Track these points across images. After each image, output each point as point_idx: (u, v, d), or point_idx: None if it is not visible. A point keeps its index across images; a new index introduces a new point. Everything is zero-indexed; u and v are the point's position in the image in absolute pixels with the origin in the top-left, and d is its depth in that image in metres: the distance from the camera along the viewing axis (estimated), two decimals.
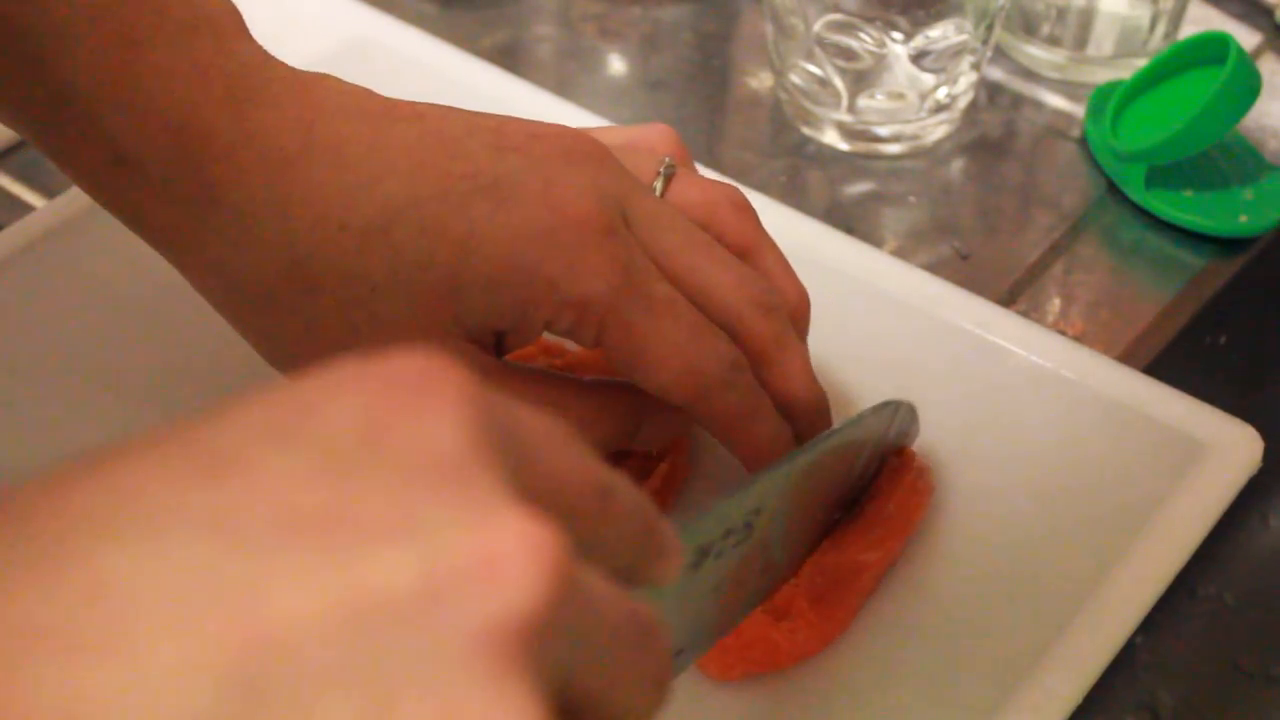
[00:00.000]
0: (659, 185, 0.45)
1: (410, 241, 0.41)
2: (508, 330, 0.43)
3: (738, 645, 0.44)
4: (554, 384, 0.44)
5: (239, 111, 0.41)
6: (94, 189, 0.43)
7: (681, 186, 0.46)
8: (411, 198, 0.41)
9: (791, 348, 0.45)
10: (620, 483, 0.26)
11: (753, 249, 0.46)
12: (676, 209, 0.44)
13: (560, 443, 0.25)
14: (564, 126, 0.44)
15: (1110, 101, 0.63)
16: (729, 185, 0.47)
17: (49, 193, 0.62)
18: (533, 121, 0.44)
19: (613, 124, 0.60)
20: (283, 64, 0.43)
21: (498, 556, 0.22)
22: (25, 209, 0.62)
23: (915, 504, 0.46)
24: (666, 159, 0.46)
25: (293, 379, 0.24)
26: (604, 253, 0.41)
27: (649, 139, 0.47)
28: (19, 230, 0.56)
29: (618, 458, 0.49)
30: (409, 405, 0.23)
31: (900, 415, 0.46)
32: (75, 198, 0.57)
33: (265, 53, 0.43)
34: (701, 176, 0.47)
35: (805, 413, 0.45)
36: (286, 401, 0.23)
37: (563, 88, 0.65)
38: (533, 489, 0.24)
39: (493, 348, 0.43)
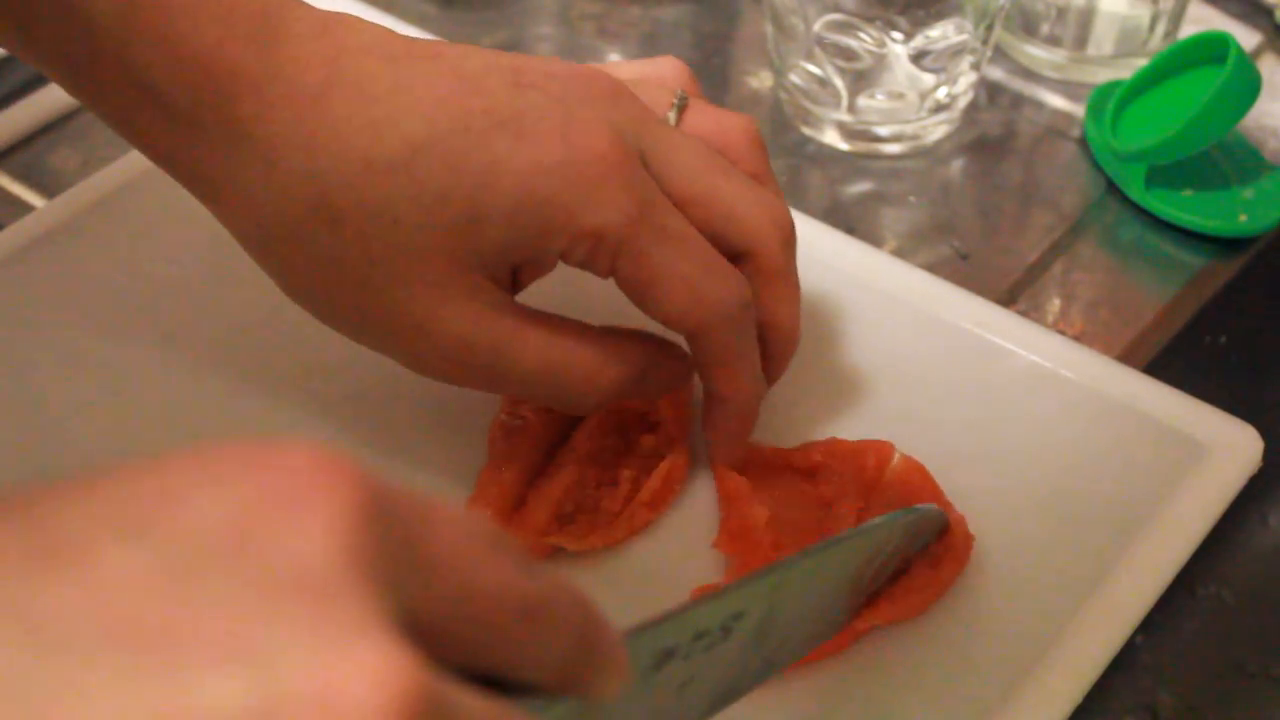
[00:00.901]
0: (673, 116, 0.47)
1: (432, 175, 0.42)
2: (524, 263, 0.44)
3: None
4: (563, 326, 0.45)
5: (265, 48, 0.42)
6: (125, 129, 0.44)
7: (695, 116, 0.47)
8: (433, 133, 0.42)
9: (795, 280, 0.46)
10: (554, 594, 0.25)
11: (760, 181, 0.47)
12: (693, 136, 0.46)
13: (478, 555, 0.24)
14: (579, 64, 0.45)
15: (1110, 101, 0.63)
16: (742, 115, 0.48)
17: (49, 193, 0.62)
18: (549, 59, 0.45)
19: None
20: (305, 3, 0.44)
21: (336, 691, 0.20)
22: (25, 209, 0.62)
23: (950, 570, 0.46)
24: (679, 91, 0.47)
25: (167, 458, 0.22)
26: (620, 185, 0.42)
27: (660, 72, 0.48)
28: (19, 230, 0.56)
29: (619, 455, 0.49)
30: (283, 509, 0.22)
31: (923, 521, 0.46)
32: (75, 198, 0.57)
33: None
34: (714, 106, 0.48)
35: (782, 342, 0.47)
36: (151, 486, 0.22)
37: None
38: (428, 608, 0.22)
39: (508, 284, 0.44)
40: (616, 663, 0.27)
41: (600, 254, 0.43)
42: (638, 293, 0.44)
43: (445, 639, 0.24)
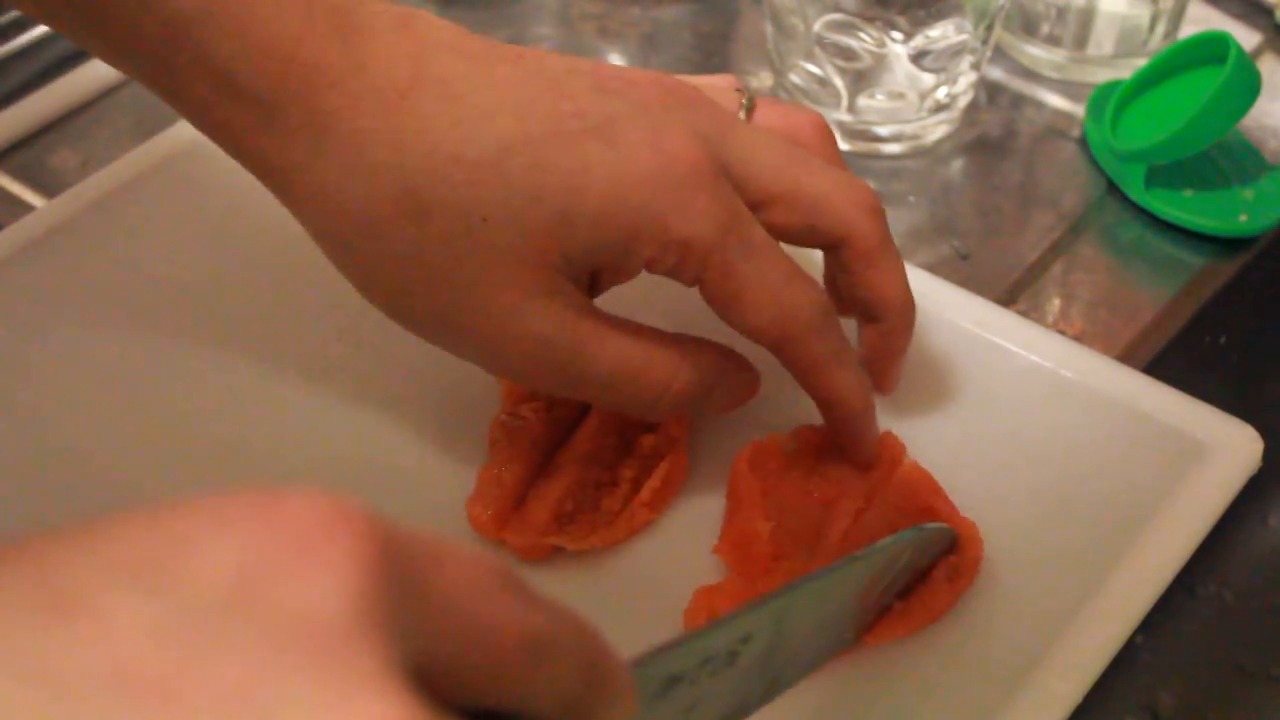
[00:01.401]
0: (743, 115, 0.47)
1: (522, 175, 0.42)
2: (607, 268, 0.44)
3: None
4: (640, 331, 0.45)
5: (347, 43, 0.42)
6: (201, 120, 0.44)
7: (765, 113, 0.48)
8: (524, 133, 0.42)
9: (894, 249, 0.47)
10: (560, 627, 0.25)
11: (836, 168, 0.47)
12: (769, 131, 0.46)
13: (486, 593, 0.24)
14: (653, 73, 0.45)
15: (1110, 101, 0.63)
16: (810, 109, 0.49)
17: (49, 193, 0.62)
18: (624, 67, 0.45)
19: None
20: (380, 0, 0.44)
21: None
22: (25, 209, 0.62)
23: (964, 583, 0.46)
24: (744, 90, 0.48)
25: (175, 505, 0.22)
26: (710, 196, 0.43)
27: (721, 80, 0.49)
28: (19, 230, 0.56)
29: (619, 455, 0.49)
30: (292, 560, 0.22)
31: (931, 540, 0.46)
32: (75, 197, 0.57)
33: None
34: (780, 102, 0.49)
35: (900, 313, 0.47)
36: (160, 535, 0.22)
37: None
38: (437, 649, 0.22)
39: (587, 288, 0.45)
40: (623, 694, 0.27)
41: (687, 264, 0.43)
42: (723, 304, 0.44)
43: (454, 678, 0.24)
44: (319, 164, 0.42)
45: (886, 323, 0.47)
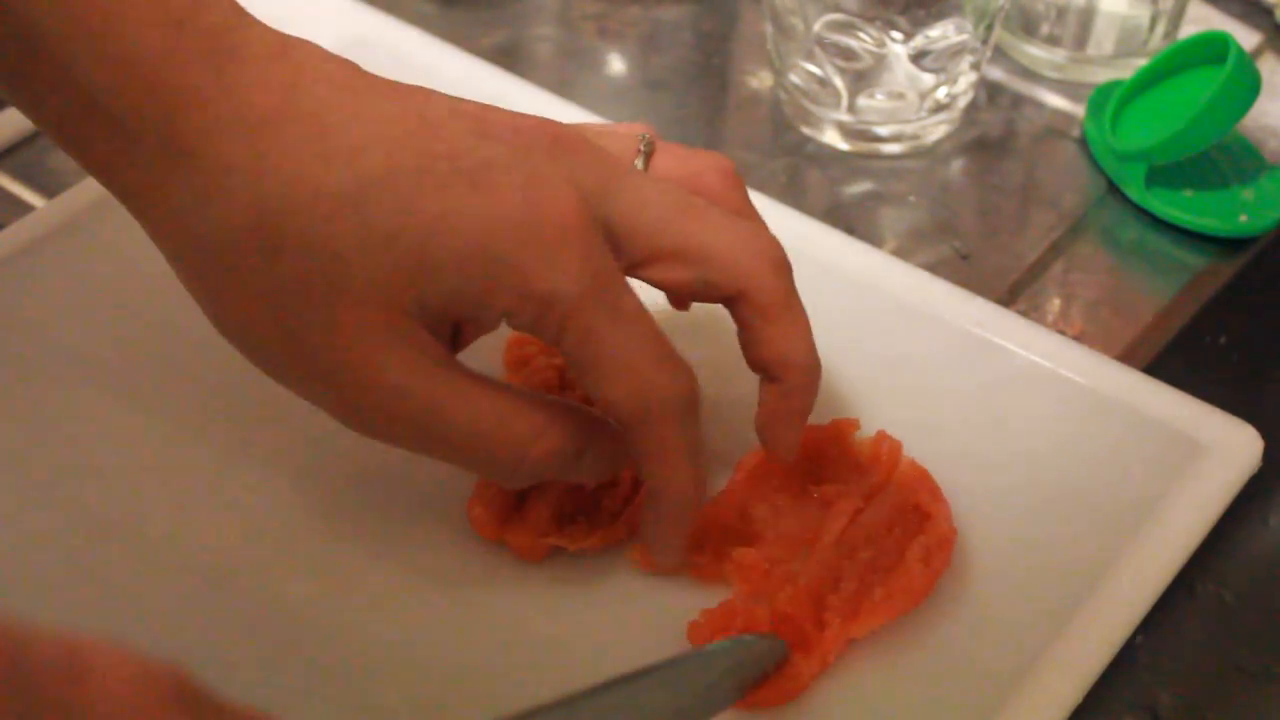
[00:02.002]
0: (640, 163, 0.45)
1: (383, 215, 0.40)
2: (466, 319, 0.43)
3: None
4: (500, 390, 0.43)
5: (218, 66, 0.40)
6: (61, 137, 0.42)
7: (664, 160, 0.46)
8: (389, 170, 0.40)
9: (799, 307, 0.44)
10: None
11: (742, 216, 0.45)
12: (664, 180, 0.44)
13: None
14: (544, 119, 0.44)
15: (1110, 101, 0.63)
16: (713, 153, 0.47)
17: (49, 193, 0.62)
18: (514, 112, 0.43)
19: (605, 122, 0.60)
20: (262, 23, 0.42)
21: None
22: (25, 209, 0.62)
23: (935, 563, 0.45)
24: (645, 135, 0.46)
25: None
26: (577, 253, 0.41)
27: (625, 127, 0.47)
28: (19, 230, 0.56)
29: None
30: None
31: (755, 653, 0.43)
32: (75, 197, 0.57)
33: (243, 10, 0.42)
34: (683, 147, 0.47)
35: (801, 374, 0.45)
36: None
37: (563, 88, 0.65)
38: None
39: (449, 340, 0.43)
40: None
41: (546, 321, 0.41)
42: (581, 369, 0.42)
43: None
44: (175, 188, 0.41)
45: (786, 383, 0.45)
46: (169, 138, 0.40)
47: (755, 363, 0.45)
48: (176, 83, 0.40)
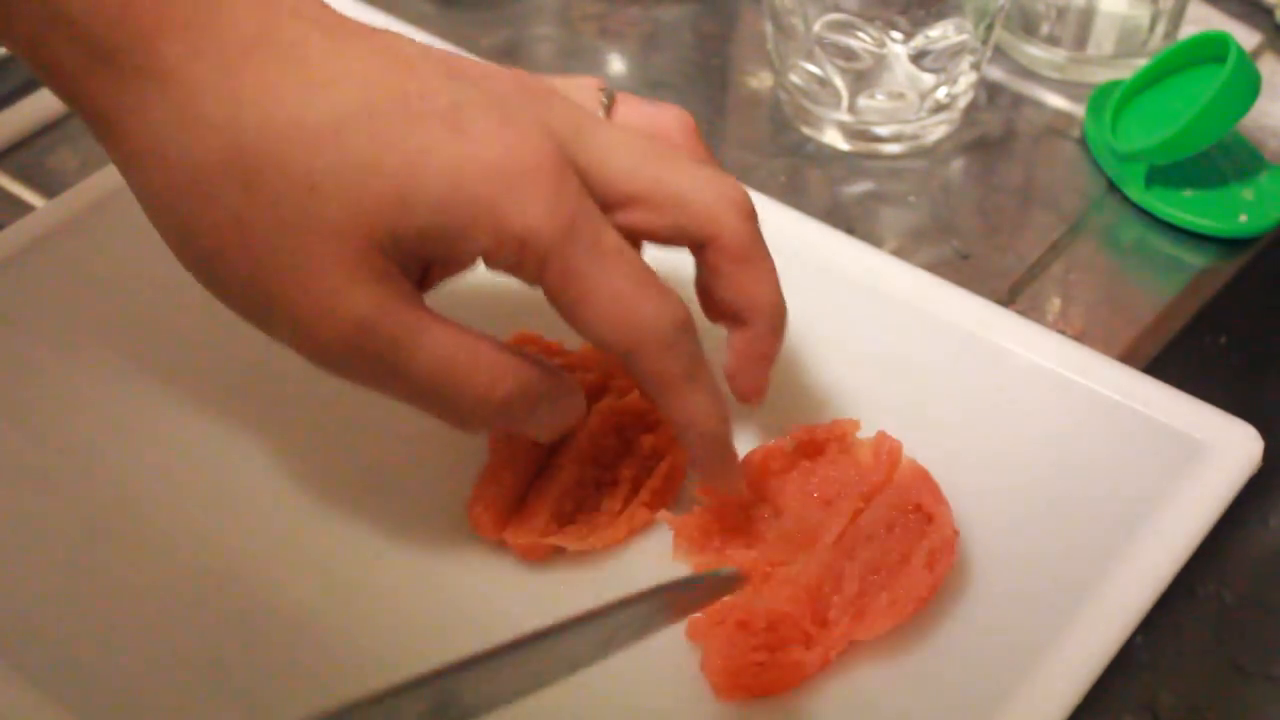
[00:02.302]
0: (602, 113, 0.46)
1: (360, 147, 0.40)
2: (438, 258, 0.42)
3: (746, 668, 0.44)
4: (465, 331, 0.42)
5: None
6: (32, 57, 0.41)
7: (625, 109, 0.46)
8: (367, 105, 0.40)
9: (765, 249, 0.45)
10: None
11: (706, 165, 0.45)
12: (629, 129, 0.44)
13: None
14: (510, 68, 0.44)
15: (1110, 101, 0.63)
16: (674, 106, 0.47)
17: (49, 193, 0.62)
18: (480, 60, 0.44)
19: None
20: None
21: None
22: (25, 209, 0.62)
23: (939, 567, 0.45)
24: (604, 86, 0.46)
25: None
26: (553, 192, 0.41)
27: (582, 80, 0.47)
28: (19, 230, 0.56)
29: (619, 455, 0.49)
30: None
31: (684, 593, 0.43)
32: (75, 197, 0.57)
33: None
34: (642, 99, 0.47)
35: (770, 316, 0.45)
36: None
37: None
38: None
39: (417, 280, 0.43)
40: None
41: (526, 261, 0.41)
42: (567, 309, 0.42)
43: None
44: (149, 113, 0.40)
45: (755, 327, 0.45)
46: (146, 60, 0.40)
47: (723, 307, 0.45)
48: (154, 5, 0.40)
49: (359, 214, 0.40)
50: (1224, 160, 0.62)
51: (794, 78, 0.63)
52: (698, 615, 0.45)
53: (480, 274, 0.56)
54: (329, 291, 0.41)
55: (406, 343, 0.41)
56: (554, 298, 0.42)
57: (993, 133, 0.65)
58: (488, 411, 0.43)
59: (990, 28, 0.61)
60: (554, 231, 0.41)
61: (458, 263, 0.43)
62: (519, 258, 0.41)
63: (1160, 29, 0.66)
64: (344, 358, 0.42)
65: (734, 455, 0.46)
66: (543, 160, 0.41)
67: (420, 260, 0.42)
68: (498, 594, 0.47)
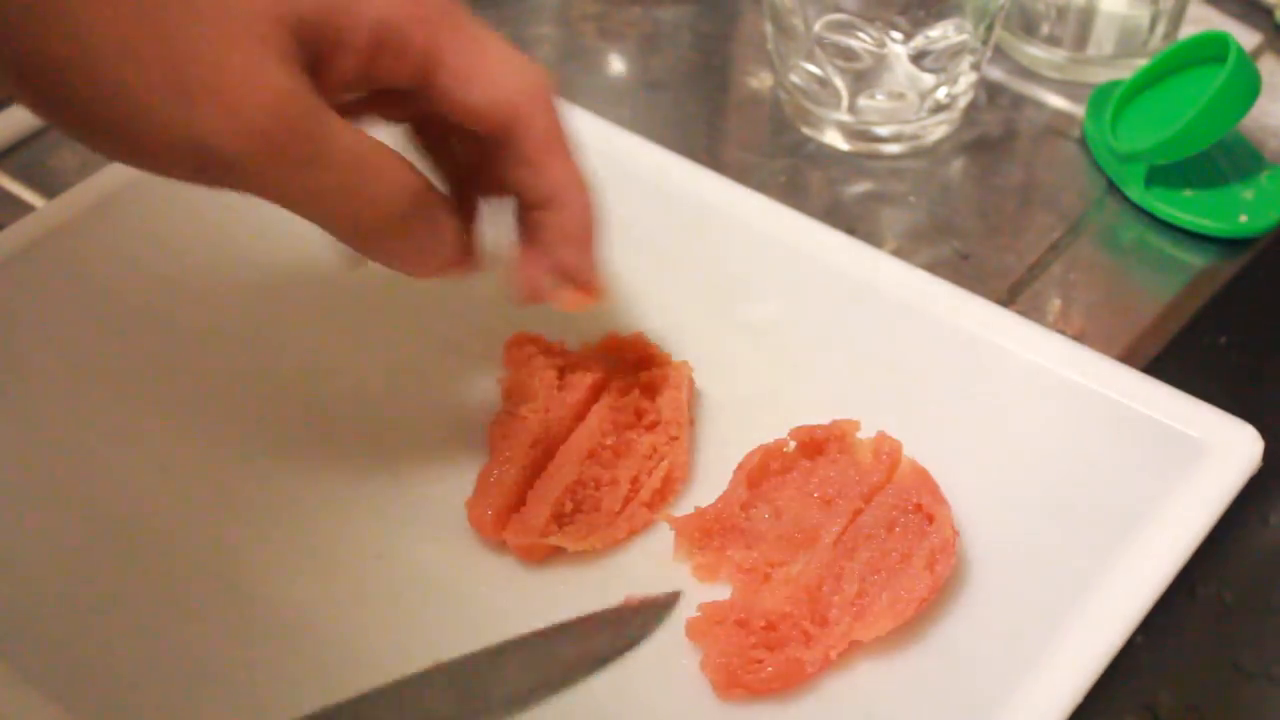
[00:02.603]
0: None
1: None
2: (333, 40, 0.41)
3: (745, 665, 0.44)
4: (364, 130, 0.42)
5: None
6: None
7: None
8: None
9: (571, 137, 0.45)
10: None
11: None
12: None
13: None
14: None
15: (1110, 101, 0.63)
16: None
17: (49, 193, 0.62)
18: None
19: (607, 121, 0.60)
20: None
21: None
22: (25, 209, 0.62)
23: (939, 568, 0.45)
24: None
25: None
26: None
27: None
28: (19, 230, 0.56)
29: (619, 455, 0.49)
30: None
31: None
32: (75, 197, 0.57)
33: None
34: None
35: (588, 193, 0.45)
36: None
37: (563, 88, 0.64)
38: None
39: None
40: None
41: (419, 26, 0.41)
42: (462, 75, 0.42)
43: None
44: None
45: (574, 204, 0.45)
46: None
47: (537, 193, 0.45)
48: None
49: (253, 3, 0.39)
50: (1224, 160, 0.62)
51: (794, 78, 0.63)
52: (698, 617, 0.45)
53: (479, 274, 0.56)
54: (245, 73, 0.39)
55: (320, 128, 0.40)
56: (448, 70, 0.42)
57: (993, 133, 0.65)
58: (399, 207, 0.42)
59: (990, 28, 0.61)
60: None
61: (351, 48, 0.42)
62: (412, 20, 0.41)
63: (1160, 29, 0.66)
64: (269, 132, 0.40)
65: (595, 243, 0.46)
66: None
67: (316, 44, 0.41)
68: (498, 594, 0.47)
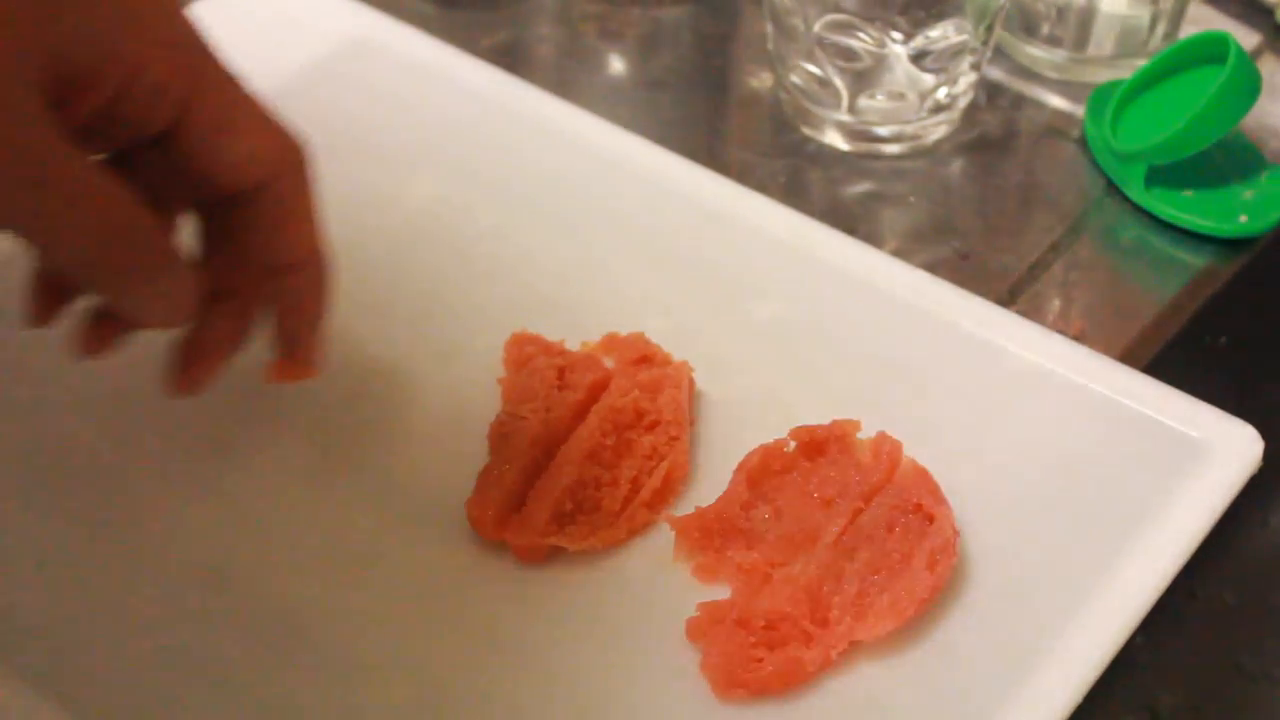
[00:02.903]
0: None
1: None
2: (89, 76, 0.40)
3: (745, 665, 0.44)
4: (82, 163, 0.40)
5: None
6: None
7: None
8: None
9: (315, 203, 0.44)
10: None
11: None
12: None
13: None
14: None
15: (1110, 101, 0.63)
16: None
17: None
18: None
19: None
20: None
21: None
22: None
23: (940, 568, 0.45)
24: None
25: None
26: (188, 22, 0.41)
27: None
28: None
29: (619, 455, 0.49)
30: None
31: None
32: None
33: None
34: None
35: (327, 263, 0.45)
36: None
37: (563, 88, 0.65)
38: None
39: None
40: None
41: (180, 71, 0.40)
42: (218, 130, 0.41)
43: None
44: None
45: (311, 272, 0.45)
46: None
47: (277, 259, 0.45)
48: None
49: (12, 20, 0.38)
50: (1224, 160, 0.62)
51: (794, 78, 0.63)
52: (697, 617, 0.45)
53: (479, 274, 0.56)
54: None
55: (56, 149, 0.39)
56: (203, 113, 0.41)
57: (993, 133, 0.65)
58: (126, 242, 0.41)
59: (990, 28, 0.61)
60: (207, 47, 0.41)
61: (105, 87, 0.41)
62: (174, 68, 0.40)
63: (1160, 29, 0.66)
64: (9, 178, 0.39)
65: (325, 317, 0.46)
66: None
67: (69, 79, 0.40)
68: (498, 594, 0.47)
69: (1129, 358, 0.55)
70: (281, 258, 0.45)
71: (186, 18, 0.41)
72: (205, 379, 0.47)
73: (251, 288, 0.47)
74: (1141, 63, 0.64)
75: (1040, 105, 0.67)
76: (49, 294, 0.46)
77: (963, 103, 0.64)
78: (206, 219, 0.46)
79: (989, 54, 0.63)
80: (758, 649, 0.44)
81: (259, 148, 0.42)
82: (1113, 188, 0.63)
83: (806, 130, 0.65)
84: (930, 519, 0.46)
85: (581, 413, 0.50)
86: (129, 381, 0.52)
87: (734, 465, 0.48)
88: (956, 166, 0.64)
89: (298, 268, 0.45)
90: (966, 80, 0.63)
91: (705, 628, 0.45)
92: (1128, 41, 0.67)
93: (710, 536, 0.47)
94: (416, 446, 0.50)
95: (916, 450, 0.48)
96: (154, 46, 0.40)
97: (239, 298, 0.47)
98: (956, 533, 0.46)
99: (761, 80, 0.68)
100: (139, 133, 0.42)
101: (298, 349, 0.47)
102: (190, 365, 0.46)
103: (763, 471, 0.48)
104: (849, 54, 0.61)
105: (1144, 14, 0.66)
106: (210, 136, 0.42)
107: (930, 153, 0.64)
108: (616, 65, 0.70)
